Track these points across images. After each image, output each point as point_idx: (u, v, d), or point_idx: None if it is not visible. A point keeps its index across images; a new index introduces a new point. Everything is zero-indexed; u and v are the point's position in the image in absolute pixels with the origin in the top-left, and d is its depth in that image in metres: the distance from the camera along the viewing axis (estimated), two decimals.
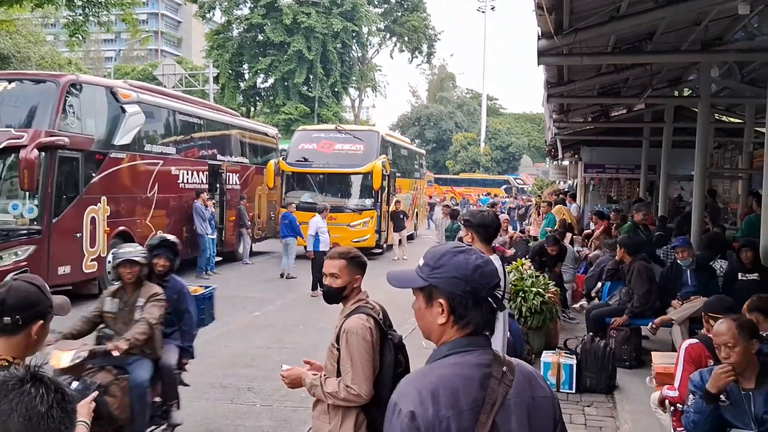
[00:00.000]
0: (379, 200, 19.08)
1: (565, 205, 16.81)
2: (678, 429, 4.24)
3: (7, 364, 2.30)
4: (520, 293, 8.18)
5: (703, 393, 3.67)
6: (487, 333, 1.93)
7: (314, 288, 12.71)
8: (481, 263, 1.91)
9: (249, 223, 17.70)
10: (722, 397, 3.67)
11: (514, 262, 9.07)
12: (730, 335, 3.63)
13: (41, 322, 2.45)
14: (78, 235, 11.68)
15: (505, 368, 1.86)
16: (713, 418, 3.66)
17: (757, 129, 15.13)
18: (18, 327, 2.39)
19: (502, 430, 1.79)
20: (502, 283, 4.07)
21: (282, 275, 15.25)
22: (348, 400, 3.18)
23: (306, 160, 19.29)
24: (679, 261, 7.87)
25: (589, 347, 7.07)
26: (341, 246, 3.96)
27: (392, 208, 19.87)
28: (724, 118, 18.65)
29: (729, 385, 3.65)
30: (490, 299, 1.91)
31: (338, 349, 3.28)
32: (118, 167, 12.87)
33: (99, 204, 12.19)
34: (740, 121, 16.48)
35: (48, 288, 2.59)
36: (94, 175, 12.13)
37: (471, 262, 1.90)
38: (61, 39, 22.91)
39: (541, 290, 8.26)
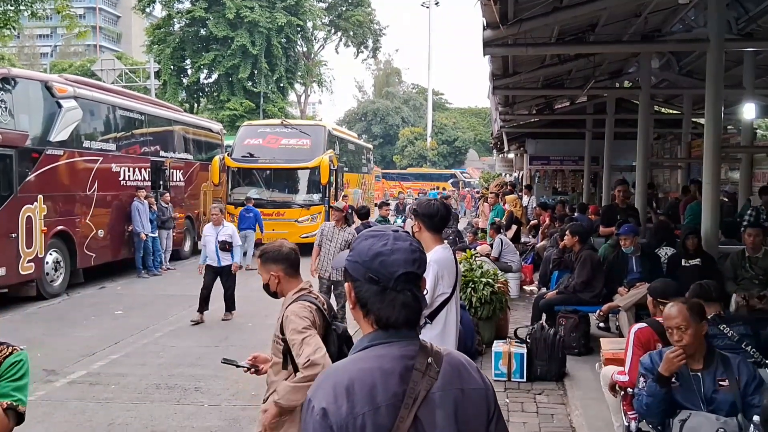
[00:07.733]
0: (327, 195, 18.84)
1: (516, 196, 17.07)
2: (629, 413, 4.27)
3: None
4: (470, 284, 8.20)
5: (655, 376, 3.71)
6: (408, 327, 1.75)
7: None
8: (386, 251, 1.74)
9: (171, 220, 16.18)
10: (673, 379, 3.71)
11: (463, 253, 9.08)
12: (681, 318, 3.68)
13: None
14: (13, 235, 11.21)
15: (430, 359, 1.72)
16: (665, 400, 3.69)
17: (695, 120, 15.55)
18: None
19: (425, 425, 1.66)
20: (452, 275, 4.05)
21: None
22: (313, 375, 2.94)
23: (252, 155, 18.99)
24: (623, 249, 8.01)
25: (539, 336, 7.10)
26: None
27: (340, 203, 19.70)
28: (663, 109, 19.13)
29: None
30: (407, 291, 1.73)
31: (283, 340, 3.19)
32: (54, 164, 12.37)
33: (35, 203, 11.71)
34: (678, 112, 16.91)
35: None
36: (29, 172, 11.64)
37: (375, 248, 1.75)
38: None
39: (490, 280, 8.29)
